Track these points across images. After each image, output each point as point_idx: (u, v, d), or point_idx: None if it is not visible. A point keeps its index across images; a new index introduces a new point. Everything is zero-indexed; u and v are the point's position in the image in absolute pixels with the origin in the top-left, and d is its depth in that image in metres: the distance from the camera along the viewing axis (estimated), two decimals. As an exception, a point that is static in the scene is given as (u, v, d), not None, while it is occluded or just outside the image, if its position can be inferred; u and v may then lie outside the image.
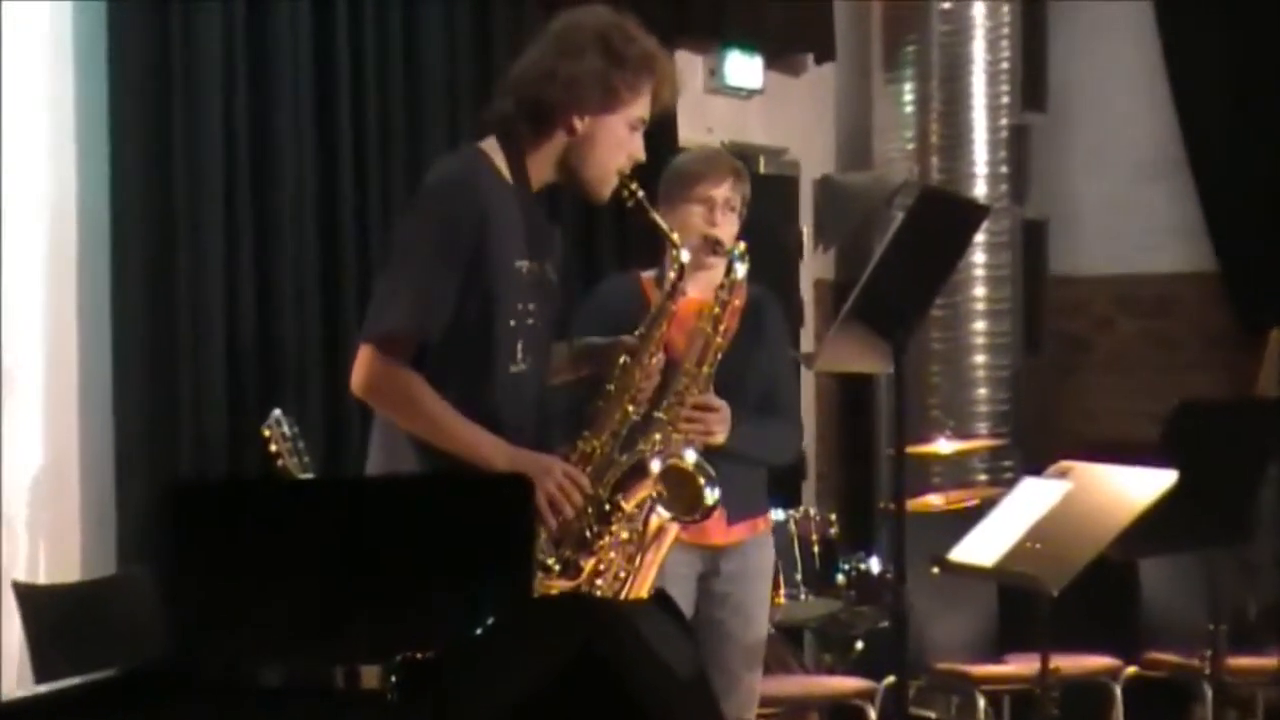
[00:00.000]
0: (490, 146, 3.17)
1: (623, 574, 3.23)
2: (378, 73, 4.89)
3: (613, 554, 3.20)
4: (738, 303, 3.59)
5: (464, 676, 2.51)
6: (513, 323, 3.11)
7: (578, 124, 3.14)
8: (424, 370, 3.08)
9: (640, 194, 3.20)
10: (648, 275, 3.95)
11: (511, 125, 3.15)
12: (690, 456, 3.29)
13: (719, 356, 3.49)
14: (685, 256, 3.24)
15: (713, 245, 3.80)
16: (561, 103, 3.12)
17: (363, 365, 3.08)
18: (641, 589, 3.26)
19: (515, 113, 3.15)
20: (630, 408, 3.21)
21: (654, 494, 3.24)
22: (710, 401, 3.52)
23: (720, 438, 3.55)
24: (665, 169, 3.90)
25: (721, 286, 3.47)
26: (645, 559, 3.25)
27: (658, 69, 3.19)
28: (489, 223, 3.06)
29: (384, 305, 3.09)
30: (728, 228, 3.85)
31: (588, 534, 3.15)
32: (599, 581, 3.20)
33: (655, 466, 3.22)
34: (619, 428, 3.20)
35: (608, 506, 3.18)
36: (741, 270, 3.46)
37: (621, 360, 3.22)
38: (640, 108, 3.18)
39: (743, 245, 3.54)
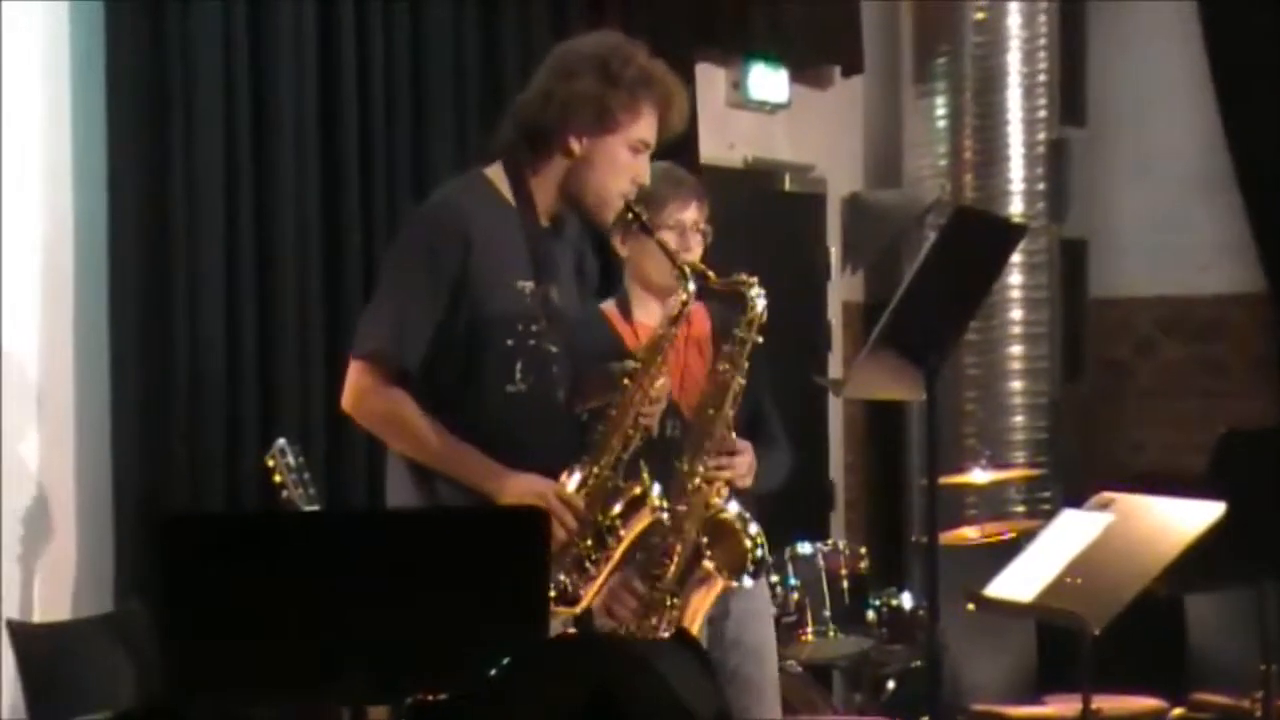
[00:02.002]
0: (495, 171, 3.27)
1: (670, 613, 3.33)
2: (384, 82, 4.82)
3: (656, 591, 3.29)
4: (760, 340, 3.51)
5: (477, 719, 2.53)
6: (511, 342, 3.18)
7: (575, 146, 3.22)
8: (417, 389, 3.17)
9: (644, 217, 3.26)
10: (606, 305, 3.91)
11: (514, 149, 3.26)
12: (733, 509, 3.36)
13: (739, 398, 3.47)
14: (692, 286, 3.26)
15: (699, 274, 3.67)
16: (557, 124, 3.21)
17: (350, 382, 3.23)
18: (692, 625, 3.36)
19: (516, 137, 3.25)
20: (632, 433, 3.23)
21: (702, 548, 3.33)
22: (736, 445, 3.51)
23: (748, 481, 3.54)
24: None
25: (739, 325, 3.45)
26: (691, 600, 3.32)
27: (659, 91, 3.24)
28: (474, 245, 3.15)
29: (368, 326, 3.24)
30: (697, 251, 3.80)
31: (586, 562, 3.18)
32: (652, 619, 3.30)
33: (655, 490, 3.24)
34: (620, 453, 3.23)
35: (606, 533, 3.21)
36: (761, 305, 3.43)
37: (624, 384, 3.25)
38: (641, 130, 3.24)
39: (754, 279, 3.48)
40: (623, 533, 3.20)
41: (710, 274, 3.38)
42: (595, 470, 3.20)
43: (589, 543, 3.18)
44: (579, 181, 3.22)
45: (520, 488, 3.13)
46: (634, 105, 3.21)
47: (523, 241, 3.21)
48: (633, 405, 3.23)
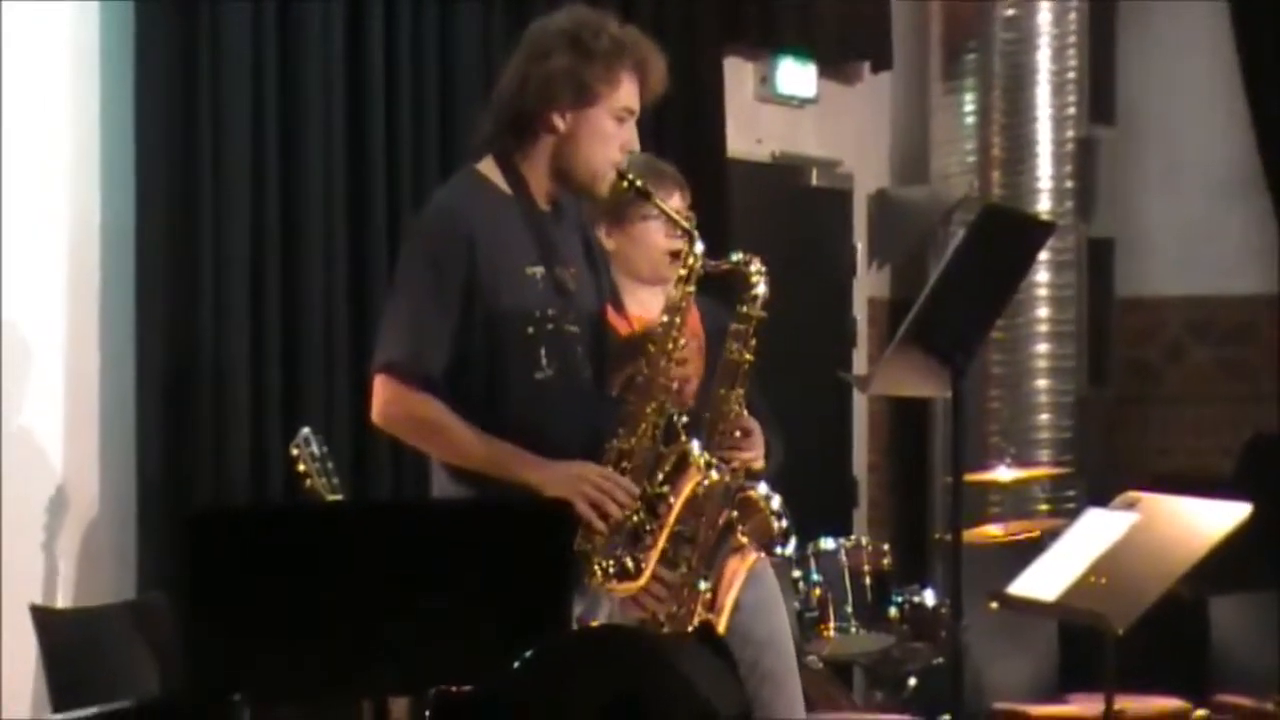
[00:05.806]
0: (486, 165, 3.27)
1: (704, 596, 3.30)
2: (412, 77, 4.81)
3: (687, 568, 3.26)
4: (764, 315, 3.46)
5: (501, 713, 2.54)
6: (531, 330, 3.17)
7: (558, 122, 3.21)
8: (447, 389, 3.16)
9: (639, 182, 3.24)
10: None
11: (500, 138, 3.23)
12: (762, 489, 3.35)
13: (748, 376, 3.44)
14: (700, 247, 3.25)
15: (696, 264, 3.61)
16: (537, 105, 3.20)
17: (377, 396, 3.22)
18: (725, 600, 3.34)
19: (500, 126, 3.24)
20: (664, 398, 3.22)
21: (733, 521, 3.31)
22: (749, 424, 3.48)
23: (761, 462, 3.50)
24: None
25: (744, 302, 3.40)
26: (725, 574, 3.31)
27: (634, 57, 3.22)
28: (478, 241, 3.15)
29: (385, 338, 3.23)
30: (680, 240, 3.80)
31: (642, 532, 3.17)
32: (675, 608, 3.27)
33: (696, 448, 3.23)
34: (656, 419, 3.21)
35: (656, 502, 3.19)
36: (763, 286, 3.38)
37: (649, 349, 3.24)
38: (623, 98, 3.22)
39: (753, 257, 3.41)
40: (672, 499, 3.20)
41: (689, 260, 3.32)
42: (634, 442, 3.19)
43: (641, 515, 3.16)
44: (568, 156, 3.21)
45: (563, 475, 3.11)
46: (611, 75, 3.19)
47: (525, 228, 3.20)
48: (659, 370, 3.21)
